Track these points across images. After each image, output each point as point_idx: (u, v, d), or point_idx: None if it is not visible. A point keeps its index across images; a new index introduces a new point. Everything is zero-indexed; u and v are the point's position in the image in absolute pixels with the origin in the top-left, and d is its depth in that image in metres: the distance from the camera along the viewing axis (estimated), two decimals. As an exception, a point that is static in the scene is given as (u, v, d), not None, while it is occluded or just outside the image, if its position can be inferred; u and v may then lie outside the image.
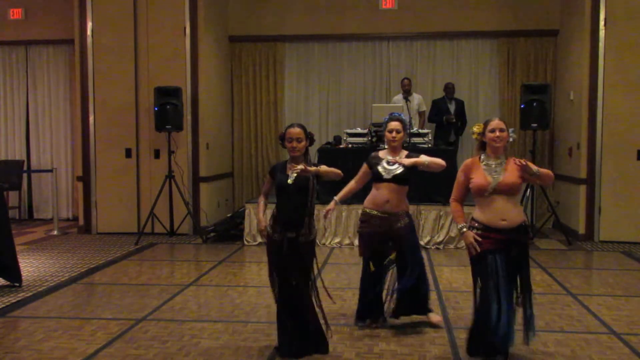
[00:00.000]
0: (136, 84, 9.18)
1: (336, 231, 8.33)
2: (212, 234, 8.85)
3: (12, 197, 10.59)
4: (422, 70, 10.61)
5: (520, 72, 10.22)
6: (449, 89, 9.92)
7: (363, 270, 4.88)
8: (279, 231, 4.14)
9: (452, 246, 8.10)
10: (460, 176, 4.10)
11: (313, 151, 9.37)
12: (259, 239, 8.43)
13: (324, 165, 4.18)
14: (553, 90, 9.44)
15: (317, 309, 4.27)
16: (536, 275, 6.59)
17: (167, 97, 8.74)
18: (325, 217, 4.87)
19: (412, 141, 8.57)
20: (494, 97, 10.44)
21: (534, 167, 3.88)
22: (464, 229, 4.00)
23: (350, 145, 8.66)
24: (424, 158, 4.72)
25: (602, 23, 8.36)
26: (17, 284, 6.17)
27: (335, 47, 10.72)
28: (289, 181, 4.10)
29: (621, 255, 7.70)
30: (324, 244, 8.30)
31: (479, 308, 3.98)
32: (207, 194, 9.45)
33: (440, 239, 8.08)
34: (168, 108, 8.71)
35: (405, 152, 4.88)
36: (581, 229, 8.60)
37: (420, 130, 8.80)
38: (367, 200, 4.88)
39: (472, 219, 4.02)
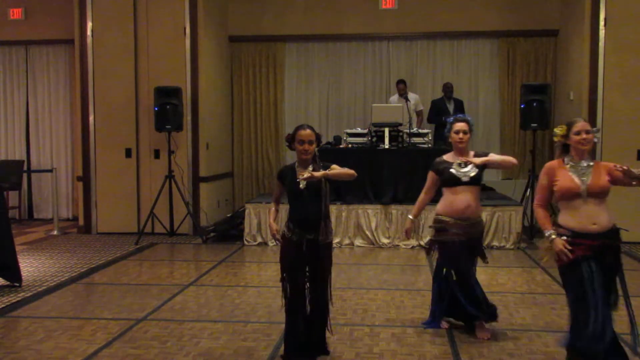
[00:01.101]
0: (136, 83, 9.18)
1: (336, 231, 8.32)
2: (212, 234, 8.85)
3: (12, 197, 10.58)
4: (422, 71, 10.61)
5: (520, 72, 10.23)
6: (448, 88, 9.92)
7: (442, 276, 4.70)
8: (297, 233, 4.05)
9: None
10: (543, 179, 3.85)
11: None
12: (259, 239, 8.43)
13: (335, 166, 4.07)
14: (553, 90, 9.44)
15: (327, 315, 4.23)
16: (536, 276, 6.59)
17: (167, 97, 8.73)
18: (407, 236, 4.88)
19: (412, 141, 8.58)
20: (494, 97, 10.44)
21: (636, 171, 3.66)
22: (553, 236, 3.75)
23: (350, 145, 8.66)
24: (494, 156, 4.60)
25: (602, 23, 8.36)
26: (17, 284, 6.17)
27: (335, 47, 10.72)
28: (301, 186, 4.01)
29: (622, 256, 7.68)
30: (324, 244, 8.28)
31: (576, 320, 3.73)
32: (207, 193, 9.45)
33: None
34: (168, 108, 8.71)
35: (472, 152, 4.71)
36: (581, 229, 8.59)
37: (420, 131, 8.80)
38: (443, 207, 4.66)
39: (558, 225, 3.80)
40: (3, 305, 5.52)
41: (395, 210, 8.23)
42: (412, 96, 9.82)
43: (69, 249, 8.25)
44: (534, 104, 8.69)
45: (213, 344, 4.54)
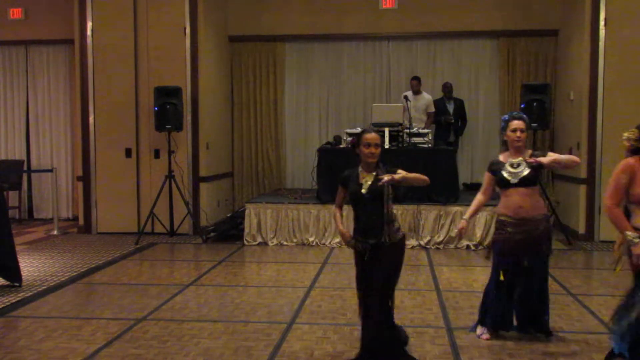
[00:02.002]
0: (136, 83, 9.18)
1: (336, 231, 8.32)
2: (212, 234, 8.84)
3: (12, 197, 10.57)
4: (422, 70, 10.58)
5: (521, 72, 10.22)
6: (447, 88, 9.92)
7: (492, 279, 4.60)
8: (360, 240, 4.05)
9: (452, 246, 8.10)
10: (622, 178, 3.68)
11: (313, 151, 9.43)
12: (259, 239, 8.43)
13: (401, 171, 3.99)
14: (553, 90, 9.44)
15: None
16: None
17: (167, 97, 8.73)
18: (460, 236, 4.79)
19: (412, 141, 8.58)
20: (495, 97, 10.43)
21: None
22: (636, 240, 3.64)
23: (350, 145, 8.63)
24: (558, 156, 4.43)
25: (602, 23, 8.35)
26: (17, 284, 6.17)
27: (335, 46, 10.71)
28: (363, 191, 3.98)
29: (622, 255, 7.68)
30: (323, 244, 8.30)
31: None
32: (207, 193, 9.45)
33: (440, 238, 8.08)
34: (168, 108, 8.71)
35: (529, 152, 4.58)
36: (581, 229, 8.60)
37: (420, 130, 8.80)
38: (500, 207, 4.57)
39: (635, 228, 3.69)
40: (3, 305, 5.51)
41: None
42: (425, 96, 9.80)
43: (69, 248, 8.25)
44: (534, 104, 8.68)
45: (213, 343, 4.54)
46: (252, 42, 10.70)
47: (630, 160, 3.73)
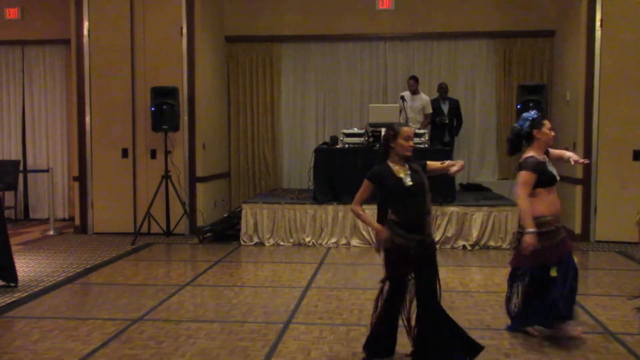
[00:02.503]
0: (133, 84, 9.17)
1: (333, 231, 8.33)
2: (208, 234, 8.83)
3: (8, 197, 10.57)
4: (419, 71, 10.59)
5: (517, 72, 10.24)
6: (442, 88, 9.92)
7: (535, 279, 4.51)
8: (407, 236, 3.88)
9: (448, 246, 8.11)
10: None
11: (309, 152, 9.43)
12: (256, 239, 8.42)
13: (431, 162, 4.13)
14: (549, 90, 9.45)
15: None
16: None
17: (163, 97, 8.73)
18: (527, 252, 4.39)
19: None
20: (491, 97, 10.45)
21: None
22: None
23: (346, 146, 8.66)
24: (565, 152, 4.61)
25: (598, 24, 8.37)
26: (13, 284, 6.15)
27: (331, 47, 10.72)
28: (409, 183, 3.89)
29: (617, 255, 7.71)
30: (320, 244, 8.30)
31: None
32: (204, 194, 9.44)
33: (437, 239, 8.08)
34: (164, 108, 8.70)
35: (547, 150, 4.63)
36: (577, 229, 8.61)
37: (417, 131, 8.79)
38: (543, 207, 4.42)
39: None
40: (-1, 306, 5.51)
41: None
42: (423, 97, 9.79)
43: (65, 249, 8.24)
44: (531, 105, 8.67)
45: (209, 344, 4.54)
46: (248, 42, 10.69)
47: None
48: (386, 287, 4.05)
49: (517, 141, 4.64)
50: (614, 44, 8.33)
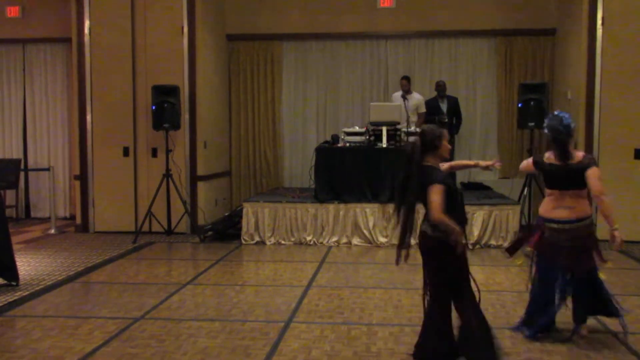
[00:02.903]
0: (134, 82, 9.17)
1: (334, 230, 8.33)
2: (209, 233, 8.84)
3: (10, 196, 10.56)
4: (420, 69, 10.61)
5: (518, 71, 10.24)
6: (440, 87, 9.87)
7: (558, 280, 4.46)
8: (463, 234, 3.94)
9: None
10: None
11: (311, 150, 9.42)
12: (257, 238, 8.42)
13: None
14: (550, 89, 9.45)
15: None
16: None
17: (164, 96, 8.72)
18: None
19: (410, 140, 8.57)
20: (492, 95, 10.44)
21: None
22: None
23: (348, 144, 8.65)
24: None
25: (599, 22, 8.36)
26: (15, 283, 6.16)
27: (333, 45, 10.71)
28: (459, 184, 4.04)
29: (618, 254, 7.70)
30: (321, 243, 8.30)
31: None
32: (205, 192, 9.44)
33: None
34: (166, 107, 8.70)
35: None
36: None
37: (418, 129, 8.78)
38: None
39: None
40: (0, 305, 5.51)
41: (392, 209, 8.21)
42: (416, 96, 9.76)
43: (66, 247, 8.24)
44: (531, 103, 8.70)
45: (210, 342, 4.54)
46: (249, 40, 10.69)
47: None
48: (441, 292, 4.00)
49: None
50: (615, 42, 8.31)
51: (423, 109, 9.75)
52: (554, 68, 10.05)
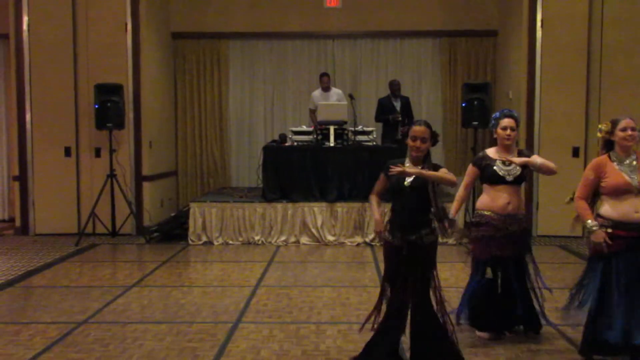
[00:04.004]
0: (75, 80, 8.93)
1: (282, 229, 8.32)
2: (155, 234, 8.70)
3: (-57, 198, 10.15)
4: (366, 69, 10.71)
5: (462, 71, 10.46)
6: (395, 86, 9.97)
7: (474, 277, 4.56)
8: (398, 236, 3.84)
9: (396, 243, 8.19)
10: (589, 174, 3.98)
11: (258, 149, 9.38)
12: (204, 238, 8.34)
13: (444, 170, 3.83)
14: (493, 89, 9.68)
15: (436, 309, 3.93)
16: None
17: (108, 95, 8.54)
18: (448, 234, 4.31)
19: (357, 139, 8.65)
20: (437, 95, 10.64)
21: None
22: (595, 227, 3.89)
23: (295, 144, 8.66)
24: (536, 159, 4.49)
25: (539, 24, 8.62)
26: (-51, 289, 5.93)
27: (280, 44, 10.70)
28: (406, 183, 3.82)
29: (558, 249, 7.97)
30: (269, 242, 8.28)
31: (596, 309, 3.91)
32: (151, 193, 9.29)
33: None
34: (109, 105, 8.51)
35: (517, 150, 4.63)
36: (520, 224, 8.83)
37: (365, 128, 8.87)
38: (483, 202, 4.54)
39: (599, 215, 3.94)
40: None
41: (340, 207, 8.28)
42: (335, 92, 9.80)
43: (5, 251, 7.97)
44: (475, 103, 8.89)
45: (157, 345, 4.47)
46: (195, 39, 10.57)
47: (600, 158, 4.01)
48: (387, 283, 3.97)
49: None
50: (554, 43, 8.59)
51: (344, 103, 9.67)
52: (496, 68, 10.31)
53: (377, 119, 9.94)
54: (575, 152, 8.56)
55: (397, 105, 9.91)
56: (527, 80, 8.75)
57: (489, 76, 10.31)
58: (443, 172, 3.80)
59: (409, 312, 3.89)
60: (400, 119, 9.77)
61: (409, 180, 3.81)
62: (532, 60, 8.70)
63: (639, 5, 8.45)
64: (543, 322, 4.65)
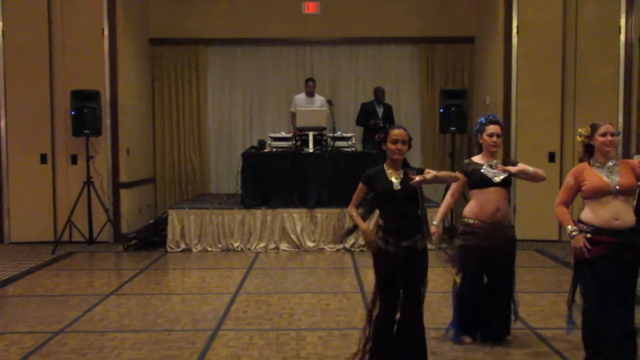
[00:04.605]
0: (51, 86, 8.83)
1: (261, 235, 8.30)
2: (133, 242, 8.63)
3: None
4: (345, 75, 10.74)
5: (439, 77, 10.54)
6: (380, 92, 10.02)
7: (460, 285, 4.59)
8: (392, 242, 3.82)
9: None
10: (570, 180, 4.01)
11: (237, 156, 9.35)
12: (183, 246, 8.28)
13: (430, 170, 3.85)
14: (470, 95, 9.77)
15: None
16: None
17: (84, 101, 8.45)
18: (435, 241, 4.48)
19: (337, 145, 8.67)
20: (415, 101, 10.71)
21: None
22: (574, 233, 3.90)
23: (274, 150, 8.65)
24: (527, 167, 4.47)
25: (514, 31, 8.73)
26: None
27: (258, 51, 10.69)
28: (396, 188, 3.81)
29: (535, 253, 8.05)
30: (249, 249, 8.25)
31: (588, 317, 3.92)
32: (128, 200, 9.20)
33: (364, 241, 8.14)
34: (85, 112, 8.43)
35: (500, 159, 4.67)
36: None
37: (344, 134, 8.89)
38: (471, 210, 4.55)
39: (580, 221, 3.94)
40: None
41: (320, 213, 8.28)
42: (318, 98, 9.82)
43: (-21, 260, 7.84)
44: (452, 109, 8.97)
45: (136, 354, 4.43)
46: (173, 45, 10.51)
47: (580, 165, 4.05)
48: (378, 291, 3.96)
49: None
50: (529, 50, 8.70)
51: (328, 110, 9.68)
52: (473, 75, 10.42)
53: (359, 123, 9.98)
54: (551, 157, 8.67)
55: (380, 111, 9.96)
56: (503, 86, 8.85)
57: (466, 82, 10.40)
58: (447, 172, 4.00)
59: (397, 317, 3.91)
60: (381, 125, 9.82)
61: (397, 185, 3.82)
62: (508, 67, 8.80)
63: (613, 11, 8.60)
64: (519, 326, 4.69)
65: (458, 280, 4.58)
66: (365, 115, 9.92)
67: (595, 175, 3.92)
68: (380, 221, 3.93)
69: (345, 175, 8.28)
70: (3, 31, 8.78)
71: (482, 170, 4.53)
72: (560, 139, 8.70)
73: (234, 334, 4.87)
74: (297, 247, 8.25)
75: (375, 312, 3.94)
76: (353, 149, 8.77)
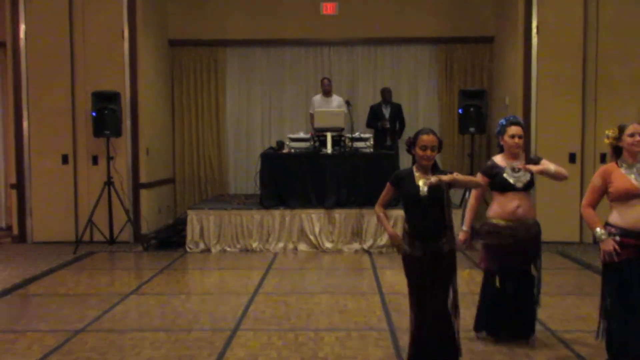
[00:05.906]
0: (72, 88, 8.94)
1: (280, 236, 8.32)
2: (153, 241, 8.69)
3: (-60, 206, 10.12)
4: (363, 76, 10.73)
5: (458, 78, 10.48)
6: (386, 93, 10.02)
7: (485, 284, 4.63)
8: (418, 246, 3.83)
9: (394, 249, 8.19)
10: (597, 181, 3.95)
11: (256, 156, 9.39)
12: (202, 246, 8.32)
13: (458, 174, 3.81)
14: (489, 95, 9.71)
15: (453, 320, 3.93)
16: (476, 276, 6.73)
17: (105, 102, 8.55)
18: (463, 246, 4.51)
19: (355, 146, 8.66)
20: (433, 102, 10.66)
21: None
22: (604, 236, 3.85)
23: (293, 150, 8.67)
24: (549, 165, 4.43)
25: (534, 30, 8.65)
26: (-54, 298, 5.91)
27: (277, 52, 10.72)
28: (422, 193, 3.78)
29: (556, 255, 7.97)
30: (267, 249, 8.27)
31: (612, 321, 3.89)
32: (148, 200, 9.28)
33: (383, 242, 8.15)
34: (106, 113, 8.52)
35: (524, 156, 4.63)
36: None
37: (362, 135, 8.89)
38: (494, 211, 4.55)
39: (608, 224, 3.90)
40: None
41: (338, 214, 8.27)
42: (336, 98, 9.82)
43: (3, 259, 7.95)
44: (471, 109, 8.93)
45: (155, 353, 4.46)
46: (193, 46, 10.59)
47: (607, 165, 4.00)
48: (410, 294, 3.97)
49: None
50: (549, 49, 8.61)
51: (345, 111, 9.64)
52: (493, 75, 10.34)
53: (368, 125, 10.00)
54: (572, 158, 8.58)
55: (387, 112, 9.94)
56: (523, 86, 8.77)
57: (485, 83, 10.34)
58: (467, 177, 3.92)
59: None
60: (388, 126, 9.80)
61: (424, 189, 3.79)
62: (527, 66, 8.72)
63: (634, 11, 8.49)
64: (539, 328, 4.66)
65: (497, 284, 4.53)
66: (373, 117, 9.93)
67: (623, 177, 3.87)
68: (405, 225, 3.93)
69: (363, 176, 8.28)
70: (26, 34, 8.91)
71: (504, 175, 4.50)
72: (581, 140, 8.61)
73: (252, 334, 4.88)
74: (315, 247, 8.26)
75: (412, 315, 3.95)
76: (371, 149, 8.76)
